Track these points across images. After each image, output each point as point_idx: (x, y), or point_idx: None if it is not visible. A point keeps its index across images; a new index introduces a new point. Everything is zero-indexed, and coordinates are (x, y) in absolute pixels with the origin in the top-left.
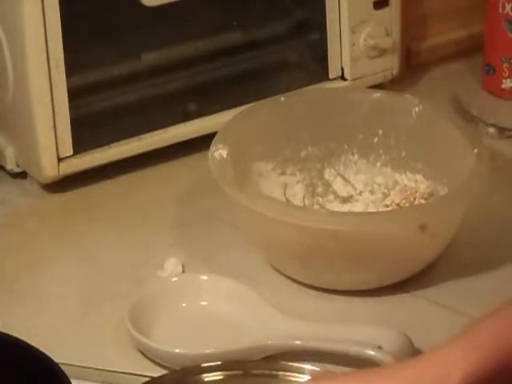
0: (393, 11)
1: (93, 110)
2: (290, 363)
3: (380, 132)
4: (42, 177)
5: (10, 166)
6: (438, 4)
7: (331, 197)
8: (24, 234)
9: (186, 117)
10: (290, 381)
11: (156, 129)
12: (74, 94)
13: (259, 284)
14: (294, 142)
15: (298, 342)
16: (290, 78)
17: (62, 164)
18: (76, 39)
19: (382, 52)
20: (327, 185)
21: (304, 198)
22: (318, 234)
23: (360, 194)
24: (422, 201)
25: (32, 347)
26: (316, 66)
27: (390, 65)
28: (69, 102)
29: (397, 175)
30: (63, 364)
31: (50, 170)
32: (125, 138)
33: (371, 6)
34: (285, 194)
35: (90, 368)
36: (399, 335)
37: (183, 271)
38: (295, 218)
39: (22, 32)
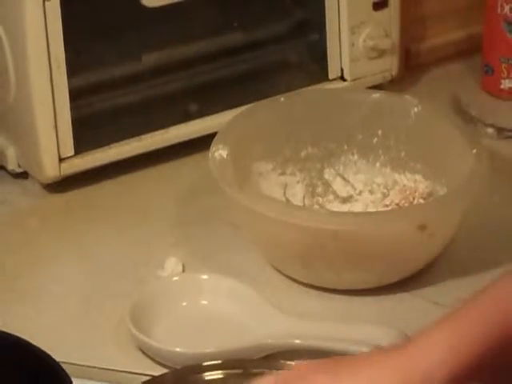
0: (392, 12)
1: (94, 111)
2: (290, 362)
3: (379, 132)
4: (43, 177)
5: (12, 166)
6: (436, 5)
7: (331, 197)
8: (25, 234)
9: (186, 117)
10: None
11: (157, 129)
12: (75, 95)
13: (259, 283)
14: (293, 142)
15: (297, 341)
16: (289, 79)
17: (63, 164)
18: (77, 40)
19: (382, 53)
20: (327, 185)
21: (304, 198)
22: (317, 233)
23: (359, 193)
24: (421, 201)
25: (33, 346)
26: (316, 67)
27: (390, 65)
28: (70, 103)
29: (396, 175)
30: (64, 363)
31: (51, 170)
32: (126, 138)
33: (370, 6)
34: (285, 193)
35: (91, 367)
36: (399, 334)
37: (183, 271)
38: (295, 217)
39: (24, 33)
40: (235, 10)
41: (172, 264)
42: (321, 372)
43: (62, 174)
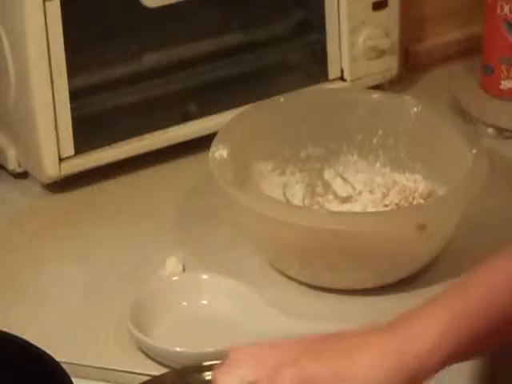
0: (392, 12)
1: (94, 111)
2: None
3: (379, 132)
4: (43, 177)
5: (12, 165)
6: (436, 5)
7: (331, 197)
8: (25, 234)
9: (186, 117)
10: None
11: (157, 129)
12: (75, 95)
13: (259, 283)
14: (293, 143)
15: None
16: (289, 79)
17: (63, 164)
18: (77, 40)
19: (381, 53)
20: (327, 185)
21: (304, 198)
22: (317, 233)
23: (359, 194)
24: (421, 201)
25: (33, 346)
26: (315, 67)
27: (389, 66)
28: (70, 103)
29: (396, 175)
30: (64, 363)
31: (51, 170)
32: (126, 138)
33: (370, 7)
34: (284, 194)
35: (91, 367)
36: None
37: (184, 270)
38: (295, 217)
39: (24, 33)
40: (235, 11)
41: (172, 264)
42: (310, 359)
43: (62, 173)
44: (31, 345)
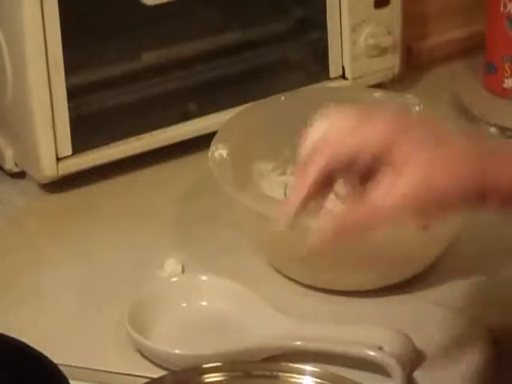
0: (394, 10)
1: (92, 110)
2: (291, 364)
3: None
4: (40, 176)
5: (9, 165)
6: (439, 3)
7: (332, 196)
8: (22, 234)
9: (185, 116)
10: (290, 382)
11: (155, 128)
12: (73, 94)
13: (259, 284)
14: (294, 142)
15: (298, 343)
16: (290, 78)
17: (60, 164)
18: (75, 38)
19: (383, 51)
20: None
21: None
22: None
23: None
24: None
25: (31, 348)
26: (316, 66)
27: (391, 64)
28: (68, 102)
29: None
30: (62, 365)
31: (48, 169)
32: (124, 137)
33: (372, 4)
34: (285, 194)
35: (88, 369)
36: (400, 336)
37: (183, 271)
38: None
39: (21, 32)
40: (235, 9)
41: (171, 265)
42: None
43: (59, 173)
44: (29, 347)
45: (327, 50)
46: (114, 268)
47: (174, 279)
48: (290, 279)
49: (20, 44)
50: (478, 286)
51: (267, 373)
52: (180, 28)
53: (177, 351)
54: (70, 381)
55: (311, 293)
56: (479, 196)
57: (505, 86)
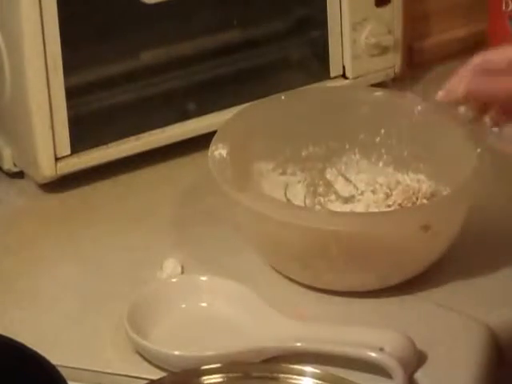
0: (395, 8)
1: (91, 109)
2: (291, 365)
3: (382, 131)
4: (39, 176)
5: (8, 165)
6: (440, 2)
7: (333, 197)
8: (21, 234)
9: (185, 116)
10: (290, 383)
11: (155, 128)
12: (71, 93)
13: (259, 285)
14: (294, 141)
15: (298, 344)
16: (290, 77)
17: (59, 164)
18: (74, 38)
19: (384, 50)
20: (329, 185)
21: (305, 198)
22: (319, 234)
23: (362, 194)
24: (425, 201)
25: (29, 349)
26: (317, 65)
27: (392, 63)
28: (66, 101)
29: (399, 175)
30: (61, 366)
31: (47, 169)
32: (123, 137)
33: (373, 3)
34: (286, 194)
35: (87, 370)
36: (401, 337)
37: (182, 272)
38: (296, 218)
39: (20, 31)
40: (235, 7)
41: (171, 265)
42: None
43: (58, 173)
44: (27, 348)
45: (328, 48)
46: (112, 268)
47: (173, 280)
48: (291, 280)
49: (18, 44)
50: (479, 286)
51: (267, 374)
52: (179, 27)
53: (176, 352)
54: (69, 382)
55: (312, 293)
56: None
57: None
